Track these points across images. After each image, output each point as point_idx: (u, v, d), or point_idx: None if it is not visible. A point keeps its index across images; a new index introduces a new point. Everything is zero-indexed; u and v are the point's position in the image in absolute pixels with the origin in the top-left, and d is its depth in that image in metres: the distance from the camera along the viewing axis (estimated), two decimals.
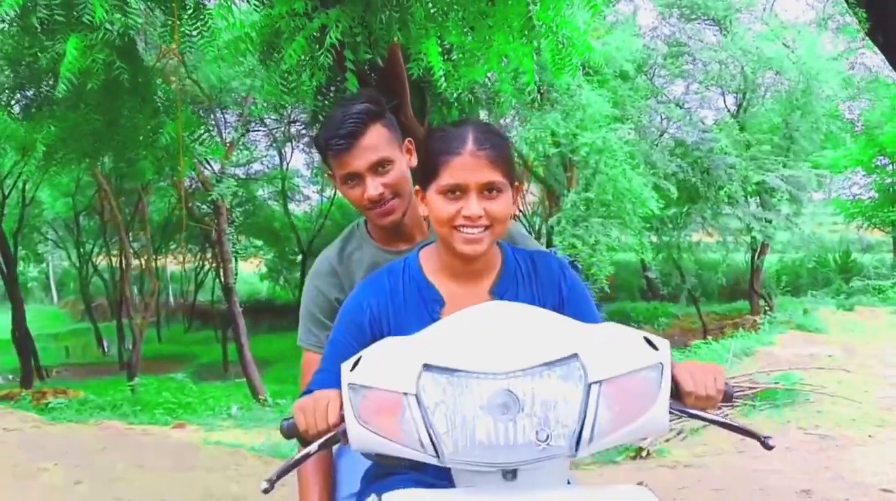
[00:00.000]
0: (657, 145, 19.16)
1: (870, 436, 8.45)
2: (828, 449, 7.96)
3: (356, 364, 1.44)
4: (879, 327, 17.73)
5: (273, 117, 24.30)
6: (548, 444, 1.27)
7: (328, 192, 29.36)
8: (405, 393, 1.33)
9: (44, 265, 45.86)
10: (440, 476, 1.50)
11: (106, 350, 30.86)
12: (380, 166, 2.07)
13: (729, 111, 23.21)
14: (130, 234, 29.47)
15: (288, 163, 28.18)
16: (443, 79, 5.15)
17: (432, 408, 1.31)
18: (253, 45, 5.48)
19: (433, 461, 1.32)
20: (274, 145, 26.95)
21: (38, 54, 5.36)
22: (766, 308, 21.37)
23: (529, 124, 13.27)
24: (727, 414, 9.66)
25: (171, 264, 36.34)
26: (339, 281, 2.16)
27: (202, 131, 6.21)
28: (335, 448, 1.98)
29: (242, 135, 19.65)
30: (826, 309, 20.71)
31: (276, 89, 5.44)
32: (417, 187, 1.83)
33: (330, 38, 4.69)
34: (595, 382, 1.32)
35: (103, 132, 5.88)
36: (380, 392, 1.36)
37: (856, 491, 6.32)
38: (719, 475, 7.18)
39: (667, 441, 8.71)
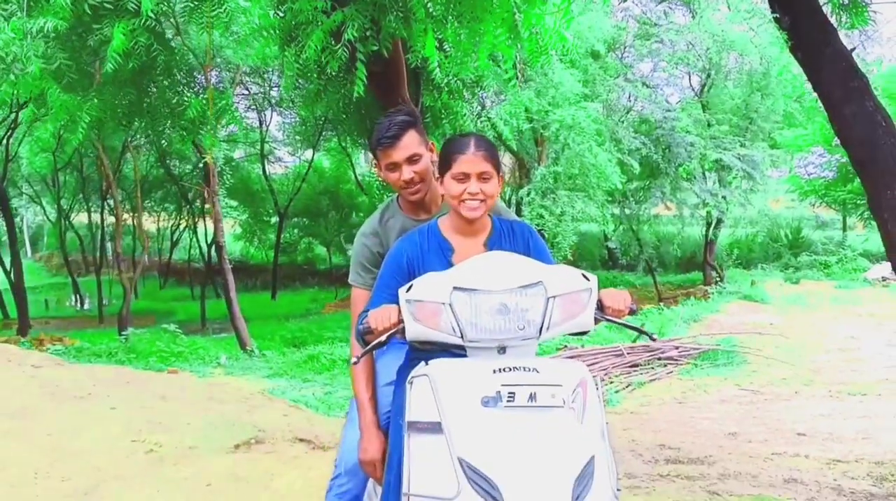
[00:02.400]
0: (623, 122, 19.93)
1: (796, 392, 9.46)
2: (757, 403, 8.96)
3: (409, 288, 2.29)
4: (821, 299, 18.84)
5: (256, 81, 24.75)
6: (524, 331, 2.17)
7: (306, 156, 29.85)
8: (443, 303, 2.17)
9: (17, 219, 45.76)
10: (458, 357, 2.38)
11: (84, 304, 31.14)
12: (412, 159, 2.85)
13: (693, 90, 24.05)
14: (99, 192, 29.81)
15: (268, 127, 28.62)
16: (437, 68, 6.00)
17: (459, 311, 2.19)
18: (275, 34, 6.24)
19: (459, 341, 2.20)
20: (253, 107, 27.34)
21: (86, 36, 6.08)
22: (718, 279, 22.39)
23: (506, 101, 14.02)
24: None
25: (146, 222, 36.53)
26: (380, 240, 2.98)
27: (224, 104, 6.92)
28: (375, 352, 2.85)
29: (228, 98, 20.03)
30: (774, 281, 21.81)
31: (294, 73, 6.21)
32: (438, 175, 2.68)
33: (347, 33, 5.50)
34: (551, 297, 2.18)
35: (136, 104, 6.67)
36: (428, 303, 2.21)
37: (775, 434, 7.30)
38: (660, 420, 8.14)
39: (617, 392, 9.70)
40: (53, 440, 5.62)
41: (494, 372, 2.07)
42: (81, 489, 4.66)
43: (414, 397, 2.20)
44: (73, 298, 32.21)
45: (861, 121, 4.34)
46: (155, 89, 6.97)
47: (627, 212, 23.15)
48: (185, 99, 6.94)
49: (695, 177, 20.23)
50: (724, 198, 20.55)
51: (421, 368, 2.23)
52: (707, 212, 21.10)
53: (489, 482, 1.93)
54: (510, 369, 2.08)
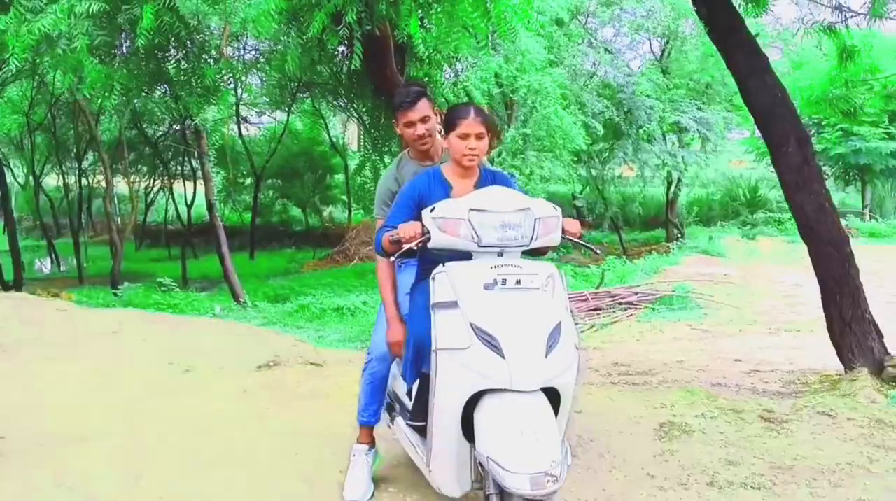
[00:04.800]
0: (587, 86, 20.91)
1: (740, 331, 10.62)
2: (705, 339, 10.11)
3: (433, 209, 3.06)
4: (775, 253, 20.14)
5: (232, 44, 25.20)
6: (518, 241, 2.99)
7: (279, 117, 30.25)
8: (462, 219, 2.97)
9: None
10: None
11: (61, 266, 31.22)
12: (424, 119, 3.72)
13: (654, 55, 25.07)
14: (73, 154, 29.58)
15: (243, 89, 28.90)
16: (421, 44, 7.04)
17: (475, 225, 2.96)
18: (280, 16, 7.13)
19: (475, 247, 2.98)
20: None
21: (115, 14, 6.97)
22: (679, 236, 23.63)
23: (476, 68, 14.96)
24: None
25: (120, 184, 36.43)
26: (397, 181, 3.91)
27: (235, 75, 7.86)
28: (396, 268, 3.79)
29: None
30: (731, 237, 23.06)
31: (297, 48, 7.17)
32: (444, 133, 3.58)
33: (348, 16, 6.48)
34: (537, 218, 3.00)
35: (157, 73, 7.63)
36: (450, 219, 3.00)
37: (716, 361, 8.43)
38: (619, 354, 9.22)
39: (581, 332, 10.82)
40: (101, 363, 6.60)
41: (492, 267, 2.94)
42: (136, 398, 5.66)
43: (437, 286, 3.03)
44: (50, 259, 32.15)
45: (762, 93, 5.46)
46: (171, 60, 7.90)
47: (593, 172, 24.23)
48: (200, 68, 7.90)
49: (655, 139, 21.32)
50: (682, 158, 21.69)
51: (440, 268, 3.08)
52: (667, 173, 22.19)
53: (491, 336, 2.79)
54: (503, 265, 2.95)
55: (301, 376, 6.13)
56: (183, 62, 7.91)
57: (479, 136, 3.35)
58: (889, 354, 5.30)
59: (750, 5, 5.80)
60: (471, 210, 2.99)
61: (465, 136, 3.34)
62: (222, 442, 4.55)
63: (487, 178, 3.54)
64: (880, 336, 5.43)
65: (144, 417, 5.16)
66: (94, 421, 5.06)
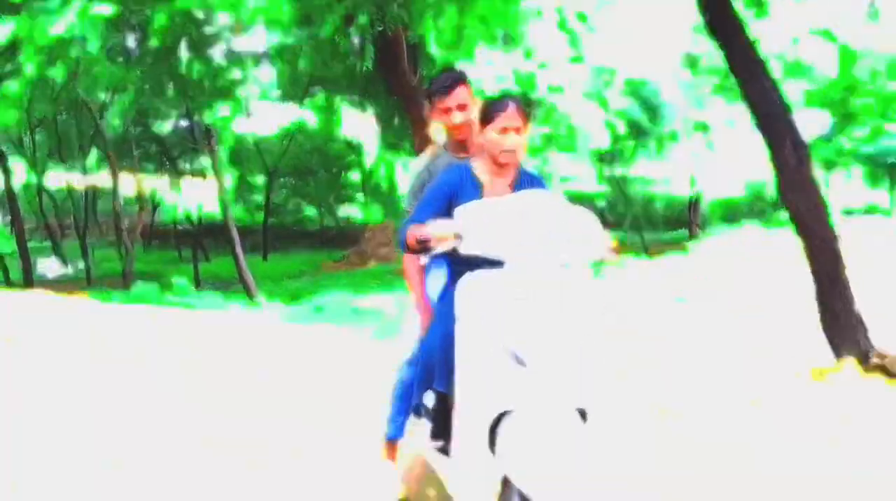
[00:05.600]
0: (610, 83, 21.35)
1: (751, 327, 11.19)
2: (715, 334, 10.70)
3: (468, 215, 2.98)
4: (796, 253, 20.54)
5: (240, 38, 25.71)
6: (553, 251, 2.91)
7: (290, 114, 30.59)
8: (493, 226, 2.90)
9: None
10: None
11: (67, 267, 31.59)
12: (461, 106, 3.62)
13: (682, 50, 25.37)
14: (76, 152, 30.12)
15: (254, 84, 29.28)
16: (433, 45, 7.66)
17: (507, 233, 2.89)
18: (289, 16, 7.69)
19: (506, 256, 2.90)
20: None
21: (128, 15, 7.61)
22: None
23: (495, 63, 15.41)
24: None
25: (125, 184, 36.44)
26: (429, 172, 3.75)
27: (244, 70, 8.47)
28: (425, 267, 3.81)
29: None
30: (754, 236, 23.45)
31: (311, 49, 7.80)
32: (480, 128, 3.35)
33: (360, 18, 7.11)
34: (574, 228, 2.94)
35: (167, 74, 8.25)
36: (481, 225, 2.92)
37: (721, 353, 9.00)
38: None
39: None
40: (125, 355, 7.28)
41: (524, 279, 2.91)
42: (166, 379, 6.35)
43: (465, 296, 3.02)
44: (56, 260, 32.52)
45: (760, 97, 6.07)
46: (183, 60, 8.52)
47: (616, 171, 24.75)
48: (213, 69, 8.52)
49: (679, 137, 21.66)
50: (706, 156, 22.01)
51: (468, 276, 3.06)
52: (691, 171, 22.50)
53: (520, 352, 2.80)
54: (535, 277, 2.90)
55: (325, 363, 6.83)
56: (196, 63, 8.48)
57: (518, 131, 3.26)
58: (873, 347, 5.91)
59: (753, 10, 6.42)
60: (503, 217, 2.97)
61: (503, 131, 3.24)
62: (270, 403, 5.39)
63: (525, 180, 3.44)
64: (865, 329, 6.04)
65: (182, 391, 5.86)
66: (128, 405, 5.70)
